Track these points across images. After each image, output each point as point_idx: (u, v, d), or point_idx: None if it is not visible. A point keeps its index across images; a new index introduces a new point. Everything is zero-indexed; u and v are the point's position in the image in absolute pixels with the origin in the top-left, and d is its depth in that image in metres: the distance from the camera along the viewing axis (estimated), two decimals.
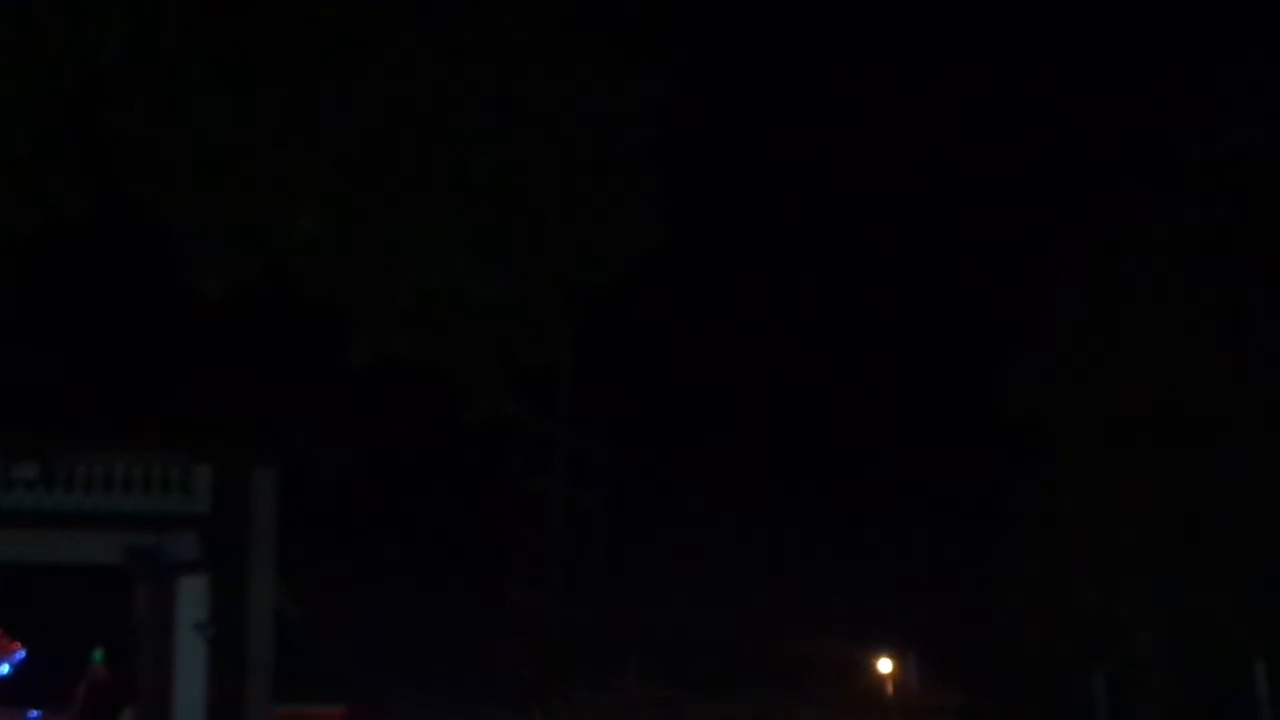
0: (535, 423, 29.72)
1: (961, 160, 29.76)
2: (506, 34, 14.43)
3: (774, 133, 30.21)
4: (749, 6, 26.75)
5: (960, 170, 29.81)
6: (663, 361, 30.23)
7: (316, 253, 14.45)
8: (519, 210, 14.67)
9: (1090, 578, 24.39)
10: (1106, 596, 24.22)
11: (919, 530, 29.48)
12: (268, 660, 19.09)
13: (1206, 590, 23.09)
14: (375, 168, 14.21)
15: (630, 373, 29.48)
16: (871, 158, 30.02)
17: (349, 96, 13.96)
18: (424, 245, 14.40)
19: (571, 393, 30.39)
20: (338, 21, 13.83)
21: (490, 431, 19.71)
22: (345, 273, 14.63)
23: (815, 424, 30.67)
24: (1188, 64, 24.50)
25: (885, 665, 29.42)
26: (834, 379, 30.76)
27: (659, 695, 28.91)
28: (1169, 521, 23.61)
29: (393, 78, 14.08)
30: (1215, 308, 23.57)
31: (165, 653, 18.62)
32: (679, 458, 30.41)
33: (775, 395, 31.33)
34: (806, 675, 28.89)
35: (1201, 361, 23.53)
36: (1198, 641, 23.36)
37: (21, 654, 23.21)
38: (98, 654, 21.22)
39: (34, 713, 22.62)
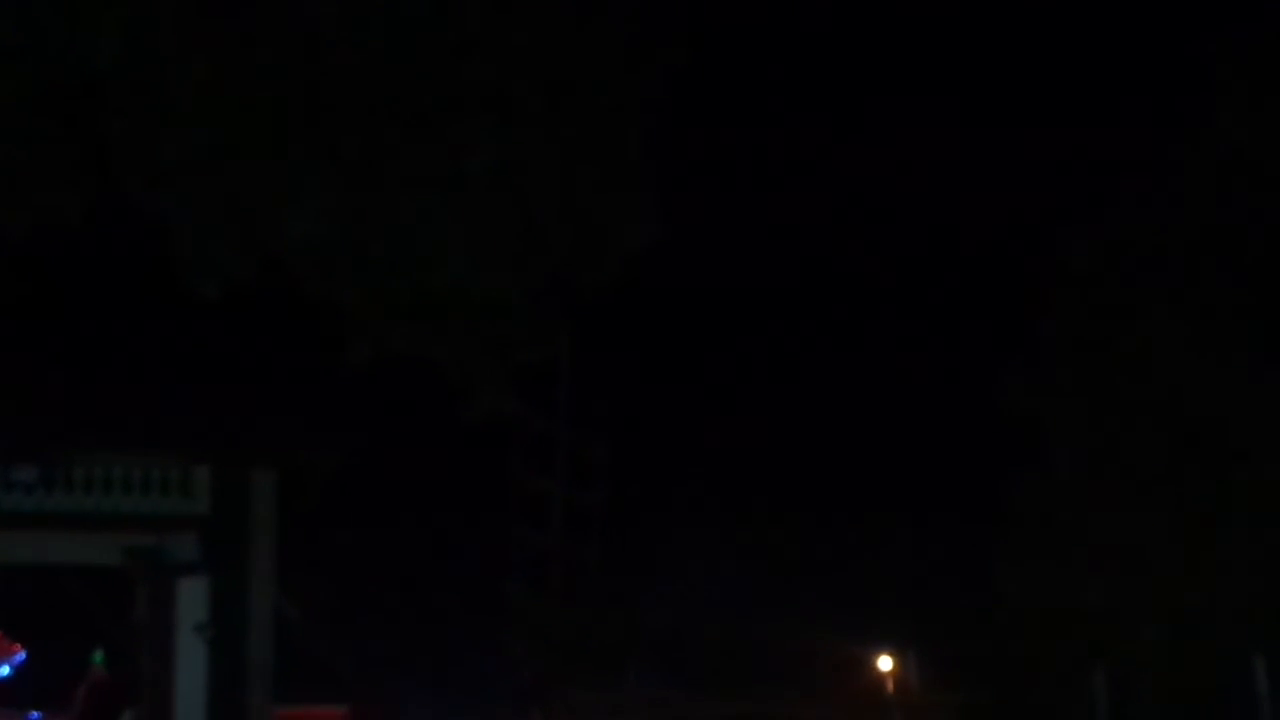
0: (535, 422, 29.71)
1: (962, 159, 29.77)
2: (505, 33, 14.41)
3: (773, 131, 30.21)
4: (748, 5, 26.77)
5: (960, 169, 29.81)
6: (662, 361, 30.25)
7: (315, 252, 14.44)
8: (518, 209, 14.66)
9: (1090, 577, 24.37)
10: (1107, 595, 24.21)
11: (919, 529, 29.46)
12: (268, 661, 19.07)
13: (1206, 589, 23.08)
14: (374, 167, 14.20)
15: (630, 373, 29.48)
16: (871, 156, 30.02)
17: (348, 95, 13.95)
18: (423, 244, 14.40)
19: (571, 392, 30.38)
20: (336, 21, 13.82)
21: (490, 431, 19.71)
22: (344, 272, 14.62)
23: (815, 423, 30.66)
24: (1187, 62, 24.47)
25: (885, 663, 29.39)
26: (834, 378, 30.77)
27: (659, 695, 28.89)
28: (1169, 521, 23.59)
29: (392, 77, 14.07)
30: (1215, 307, 23.56)
31: (165, 654, 18.61)
32: (679, 458, 30.40)
33: (775, 394, 31.34)
34: (806, 673, 28.86)
35: (1202, 361, 23.51)
36: (1197, 639, 23.34)
37: (22, 655, 23.22)
38: (98, 655, 21.21)
39: (34, 714, 22.63)
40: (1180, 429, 23.66)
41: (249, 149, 13.80)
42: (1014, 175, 28.73)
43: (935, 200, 30.13)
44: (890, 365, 30.26)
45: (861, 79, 29.53)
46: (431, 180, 14.30)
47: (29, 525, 18.69)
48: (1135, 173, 25.11)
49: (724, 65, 25.10)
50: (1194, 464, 23.49)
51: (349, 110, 13.97)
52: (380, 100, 14.03)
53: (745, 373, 31.04)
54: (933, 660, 29.07)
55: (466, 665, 28.57)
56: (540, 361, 16.98)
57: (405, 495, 27.74)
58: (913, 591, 29.07)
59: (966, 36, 29.82)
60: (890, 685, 29.30)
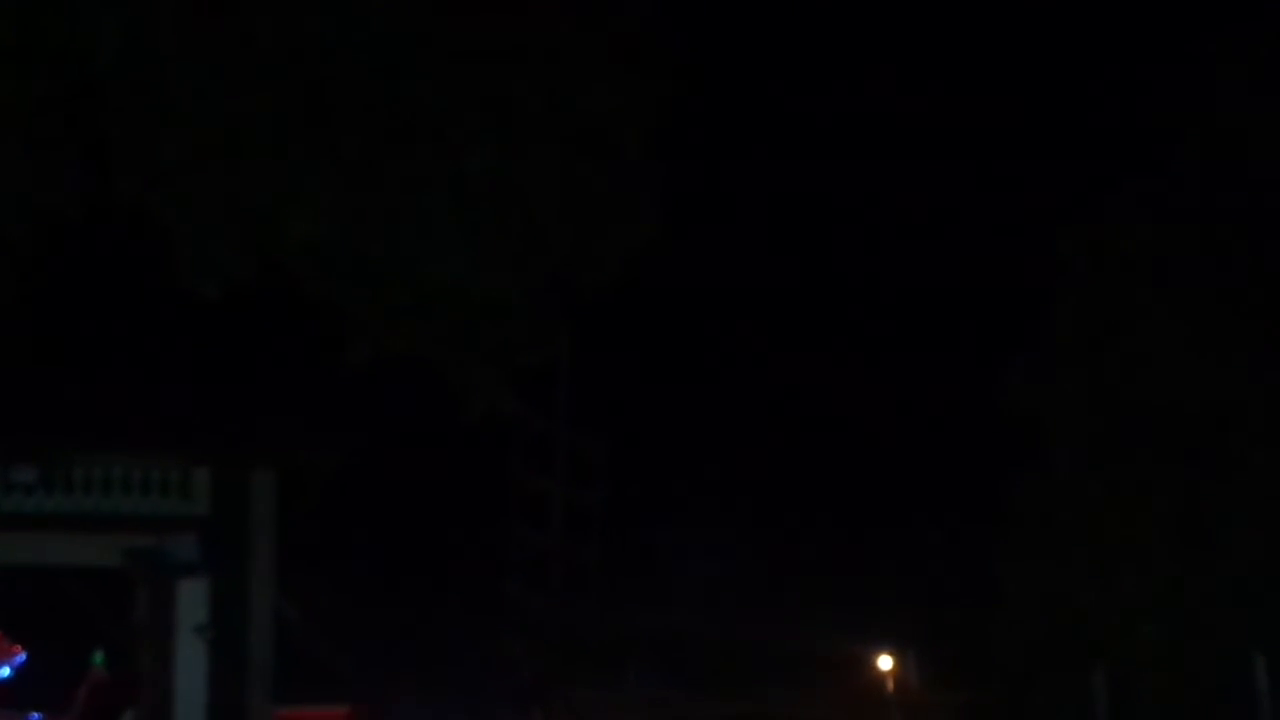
0: (534, 422, 29.70)
1: (961, 158, 29.76)
2: (505, 33, 14.41)
3: (773, 130, 30.21)
4: (748, 4, 26.76)
5: (960, 168, 29.80)
6: (662, 361, 30.22)
7: (315, 253, 14.44)
8: (517, 209, 14.66)
9: (1090, 577, 24.36)
10: (1107, 595, 24.20)
11: (919, 528, 29.45)
12: (268, 662, 19.08)
13: (1206, 588, 23.07)
14: (373, 167, 14.20)
15: (629, 373, 29.46)
16: (871, 156, 30.02)
17: (347, 96, 13.95)
18: (423, 245, 14.40)
19: (571, 392, 30.37)
20: (334, 22, 13.81)
21: (489, 431, 19.71)
22: (344, 272, 14.62)
23: (815, 422, 30.65)
24: (1188, 58, 24.47)
25: (885, 662, 29.38)
26: (834, 377, 30.74)
27: (659, 695, 28.88)
28: (1169, 520, 23.59)
29: (391, 77, 14.06)
30: (1216, 307, 23.54)
31: (165, 655, 18.62)
32: (679, 458, 30.38)
33: (775, 394, 31.32)
34: (806, 673, 28.85)
35: (1202, 360, 23.51)
36: (1198, 639, 23.33)
37: (21, 657, 23.17)
38: (98, 656, 21.19)
39: (34, 715, 22.58)
40: (1180, 429, 23.65)
41: (249, 149, 13.79)
42: (1014, 175, 28.72)
43: (935, 200, 30.12)
44: (890, 365, 30.25)
45: (862, 78, 29.51)
46: (431, 180, 14.30)
47: (29, 526, 18.71)
48: (1135, 173, 25.10)
49: (724, 65, 25.09)
50: (1194, 464, 23.48)
51: (349, 110, 13.97)
52: (380, 100, 14.03)
53: (745, 372, 31.02)
54: (933, 660, 29.07)
55: (466, 665, 28.53)
56: (540, 362, 16.97)
57: (405, 495, 27.70)
58: (913, 591, 29.06)
59: (967, 35, 29.82)
60: (890, 685, 29.29)
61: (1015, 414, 25.49)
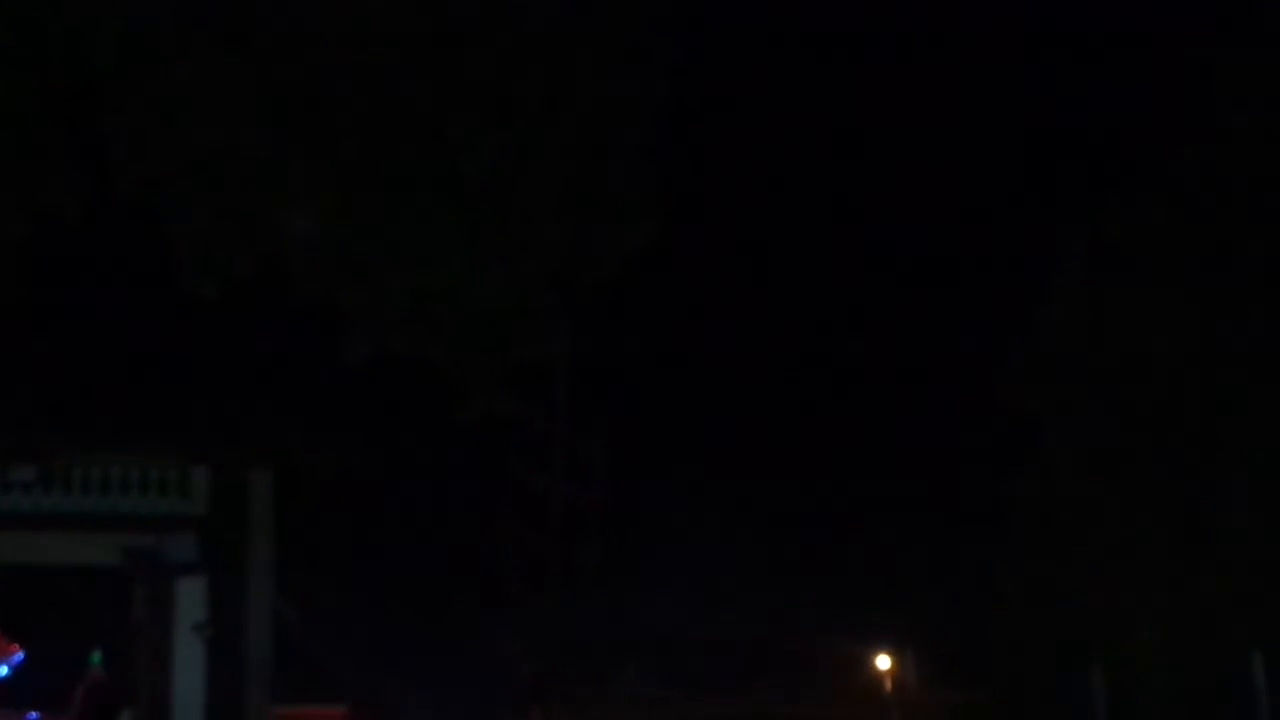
0: (533, 422, 29.70)
1: (962, 158, 29.73)
2: (504, 33, 14.40)
3: (772, 130, 30.18)
4: (748, 4, 26.73)
5: (960, 168, 29.77)
6: (661, 360, 30.21)
7: (313, 252, 14.44)
8: (516, 209, 14.66)
9: (1090, 577, 24.36)
10: (1106, 594, 24.19)
11: (918, 527, 29.43)
12: (266, 661, 19.10)
13: (1205, 588, 23.07)
14: (372, 167, 14.20)
15: (629, 372, 29.45)
16: (871, 155, 29.99)
17: (346, 96, 13.94)
18: (421, 244, 14.39)
19: (570, 392, 30.37)
20: (333, 21, 13.81)
21: (488, 431, 19.71)
22: (342, 272, 14.62)
23: (815, 422, 30.63)
24: (1188, 59, 24.47)
25: (884, 662, 29.37)
26: (834, 377, 30.75)
27: (659, 695, 28.88)
28: (1168, 521, 23.58)
29: (390, 77, 14.06)
30: (1215, 307, 23.53)
31: (164, 653, 18.63)
32: (678, 457, 30.37)
33: (774, 393, 31.31)
34: (806, 673, 28.86)
35: (1202, 360, 23.50)
36: (1196, 638, 23.32)
37: (20, 656, 23.17)
38: (96, 656, 21.19)
39: (33, 714, 22.59)
40: (1180, 429, 23.64)
41: (249, 149, 13.79)
42: (1014, 174, 28.72)
43: (935, 199, 30.10)
44: (890, 364, 30.24)
45: (861, 78, 29.49)
46: (431, 180, 14.29)
47: (28, 525, 18.71)
48: (1135, 173, 25.09)
49: (724, 64, 25.09)
50: (1194, 464, 23.48)
51: (348, 110, 13.96)
52: (379, 100, 14.02)
53: (744, 372, 31.00)
54: (931, 660, 29.05)
55: (466, 665, 28.52)
56: (538, 361, 16.96)
57: (403, 495, 27.70)
58: (912, 591, 29.04)
59: (967, 36, 29.80)
60: (889, 684, 29.28)
61: (1015, 414, 25.49)
